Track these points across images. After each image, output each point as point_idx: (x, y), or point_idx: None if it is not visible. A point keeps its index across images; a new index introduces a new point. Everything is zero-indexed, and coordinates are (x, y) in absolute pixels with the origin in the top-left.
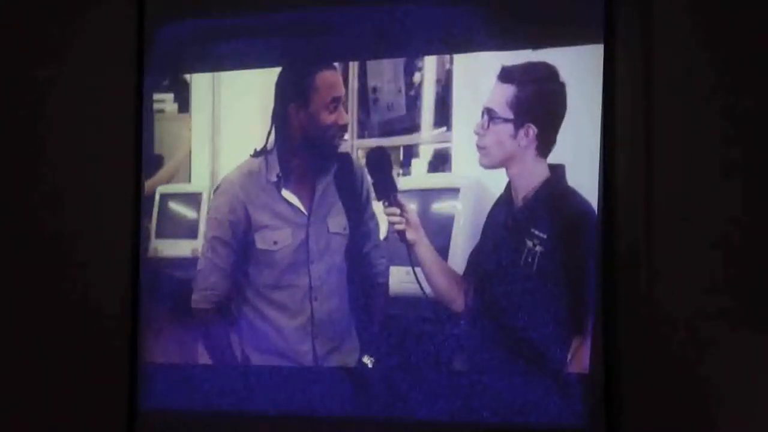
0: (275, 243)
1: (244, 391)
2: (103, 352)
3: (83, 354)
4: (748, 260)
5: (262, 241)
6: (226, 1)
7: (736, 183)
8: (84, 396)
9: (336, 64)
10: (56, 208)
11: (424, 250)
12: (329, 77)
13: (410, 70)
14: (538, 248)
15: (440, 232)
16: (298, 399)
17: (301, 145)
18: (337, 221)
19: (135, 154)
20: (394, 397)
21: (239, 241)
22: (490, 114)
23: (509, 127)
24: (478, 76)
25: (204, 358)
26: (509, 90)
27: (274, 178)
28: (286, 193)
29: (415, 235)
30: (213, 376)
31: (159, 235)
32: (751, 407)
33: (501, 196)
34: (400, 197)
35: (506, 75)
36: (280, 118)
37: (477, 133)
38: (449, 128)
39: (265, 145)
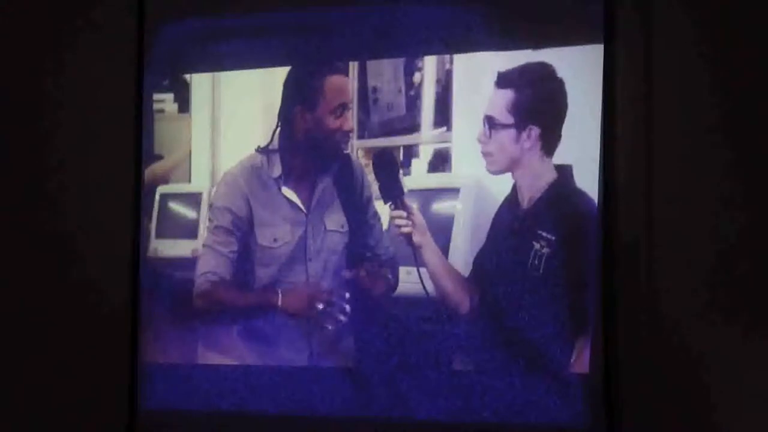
0: (275, 240)
1: (244, 391)
2: (103, 352)
3: (83, 354)
4: (748, 261)
5: (263, 237)
6: (226, 1)
7: (736, 183)
8: (84, 396)
9: (344, 67)
10: (56, 207)
11: (431, 253)
12: (338, 82)
13: (410, 70)
14: (545, 250)
15: (440, 232)
16: (298, 399)
17: (304, 146)
18: (335, 219)
19: (135, 154)
20: (394, 397)
21: (241, 231)
22: (490, 122)
23: (511, 132)
24: (478, 76)
25: (204, 356)
26: (507, 95)
27: (275, 175)
28: (286, 191)
29: (422, 238)
30: (213, 376)
31: (159, 235)
32: (750, 408)
33: (507, 198)
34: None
35: (503, 80)
36: (284, 117)
37: (480, 141)
38: (449, 128)
39: (269, 144)
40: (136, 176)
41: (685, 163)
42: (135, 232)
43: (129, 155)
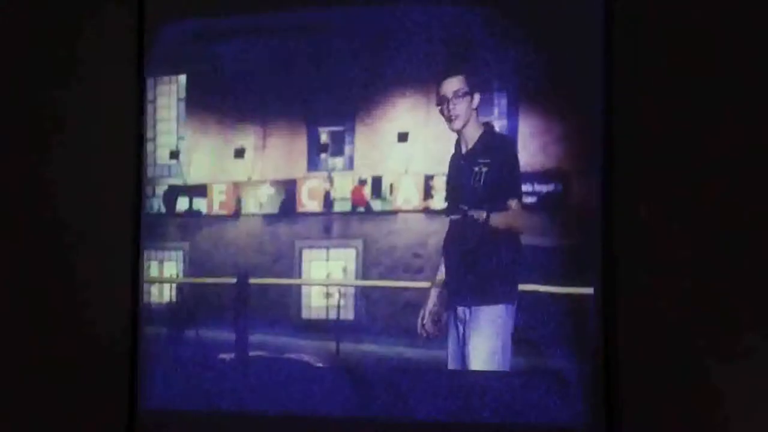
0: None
1: (244, 391)
2: (103, 352)
3: (83, 353)
4: (748, 260)
5: None
6: (226, 1)
7: (736, 185)
8: (84, 395)
9: None
10: (57, 209)
11: None
12: None
13: None
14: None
15: None
16: (298, 399)
17: None
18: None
19: (136, 154)
20: (394, 397)
21: None
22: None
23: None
24: None
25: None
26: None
27: None
28: None
29: None
30: (213, 376)
31: None
32: (750, 408)
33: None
34: None
35: None
36: None
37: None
38: None
39: None
40: (137, 176)
41: (685, 164)
42: (136, 231)
43: (130, 155)
